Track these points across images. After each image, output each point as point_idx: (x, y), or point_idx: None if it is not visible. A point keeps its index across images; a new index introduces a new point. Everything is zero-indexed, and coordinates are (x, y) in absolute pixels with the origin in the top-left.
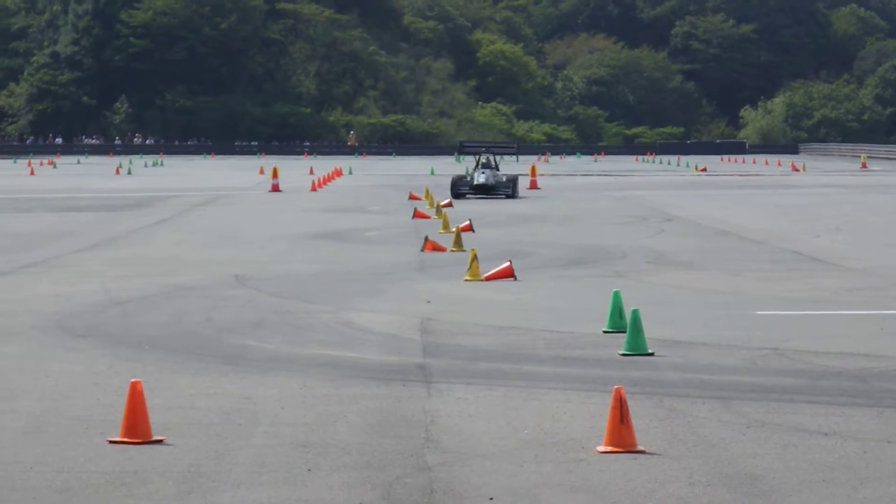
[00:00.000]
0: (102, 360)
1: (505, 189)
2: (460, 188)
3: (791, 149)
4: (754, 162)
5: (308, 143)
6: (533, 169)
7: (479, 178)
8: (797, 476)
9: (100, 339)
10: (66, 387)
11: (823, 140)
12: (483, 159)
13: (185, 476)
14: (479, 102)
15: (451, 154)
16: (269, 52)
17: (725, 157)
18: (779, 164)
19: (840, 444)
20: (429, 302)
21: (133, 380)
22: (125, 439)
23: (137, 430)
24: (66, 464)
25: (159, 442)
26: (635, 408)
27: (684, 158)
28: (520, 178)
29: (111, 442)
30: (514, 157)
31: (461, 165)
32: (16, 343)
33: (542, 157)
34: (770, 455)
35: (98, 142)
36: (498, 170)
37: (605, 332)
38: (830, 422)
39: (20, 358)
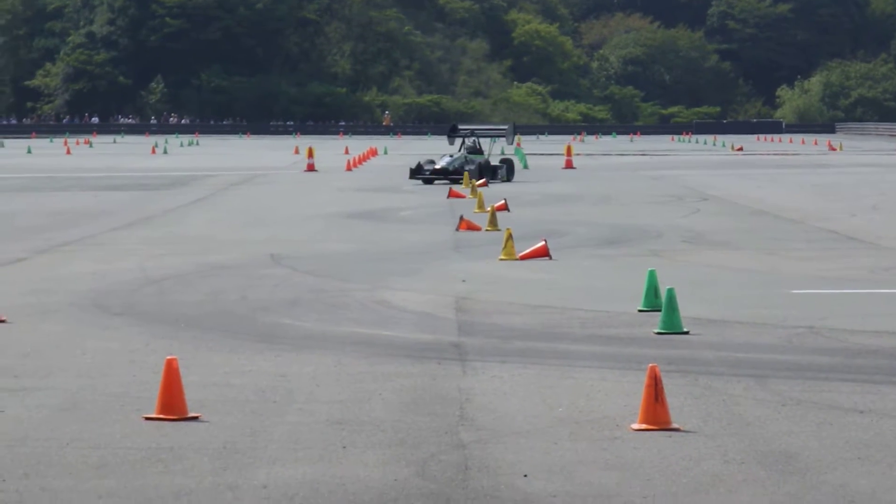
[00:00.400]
0: (138, 338)
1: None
2: (422, 170)
3: (828, 128)
4: (791, 141)
5: (343, 123)
6: (568, 149)
7: (441, 163)
8: (832, 454)
9: (136, 317)
10: (103, 364)
11: (860, 119)
12: (469, 143)
13: (220, 452)
14: (515, 82)
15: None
16: (305, 32)
17: (762, 136)
18: (815, 144)
19: (876, 421)
20: (464, 281)
21: (169, 357)
22: (161, 416)
23: (173, 406)
24: (103, 440)
25: (195, 419)
26: (670, 386)
27: (720, 138)
28: (515, 162)
29: (147, 419)
30: (509, 141)
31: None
32: (53, 321)
33: (578, 137)
34: (805, 433)
35: (134, 121)
36: (481, 153)
37: (640, 310)
38: (866, 400)
39: (57, 335)
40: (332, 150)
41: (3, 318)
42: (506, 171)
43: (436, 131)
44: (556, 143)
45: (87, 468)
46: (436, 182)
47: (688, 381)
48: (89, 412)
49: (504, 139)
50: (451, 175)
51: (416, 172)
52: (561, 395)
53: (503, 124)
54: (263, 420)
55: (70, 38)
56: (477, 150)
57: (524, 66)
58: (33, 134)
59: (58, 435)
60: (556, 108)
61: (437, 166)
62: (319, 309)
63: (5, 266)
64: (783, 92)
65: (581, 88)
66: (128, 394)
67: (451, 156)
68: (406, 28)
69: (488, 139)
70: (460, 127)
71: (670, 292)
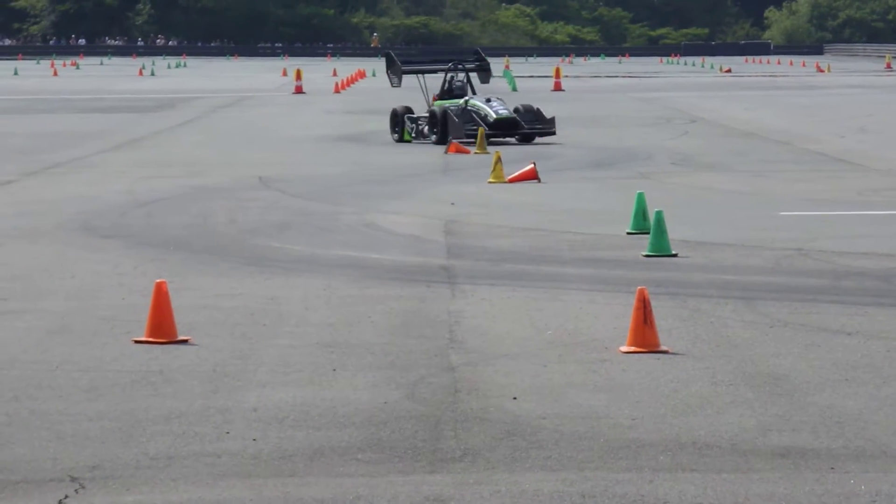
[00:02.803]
0: (127, 261)
1: (538, 126)
2: (469, 123)
3: (816, 49)
4: (779, 63)
5: (331, 45)
6: (557, 71)
7: (500, 110)
8: (820, 375)
9: (124, 240)
10: (92, 287)
11: (848, 40)
12: (458, 81)
13: (210, 375)
14: (503, 4)
15: None
16: None
17: (750, 58)
18: (803, 65)
19: (863, 343)
20: (453, 204)
21: (158, 280)
22: (151, 339)
23: (163, 329)
24: (92, 363)
25: (184, 342)
26: (658, 308)
27: (709, 60)
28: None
29: (137, 342)
30: (482, 78)
31: None
32: (41, 243)
33: (567, 59)
34: (793, 355)
35: (121, 43)
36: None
37: (628, 233)
38: (854, 321)
39: (46, 258)
40: (321, 72)
41: None
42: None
43: (424, 53)
44: (544, 66)
45: (77, 391)
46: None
47: (676, 304)
48: (79, 335)
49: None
50: (516, 129)
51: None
52: (550, 318)
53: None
54: (253, 343)
55: None
56: (462, 90)
57: None
58: (20, 55)
59: (47, 358)
60: (545, 29)
61: (498, 116)
62: (309, 232)
63: None
64: (771, 13)
65: (570, 10)
66: (117, 317)
67: (494, 101)
68: None
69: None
70: (406, 62)
71: (659, 215)
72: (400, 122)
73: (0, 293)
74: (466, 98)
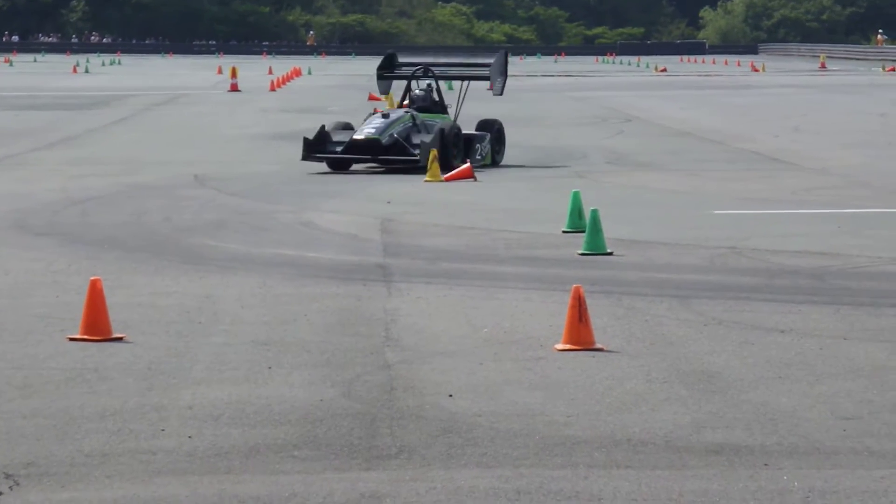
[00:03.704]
0: (62, 259)
1: (415, 153)
2: (327, 143)
3: (751, 49)
4: (714, 62)
5: (267, 43)
6: None
7: (366, 130)
8: (754, 372)
9: (58, 238)
10: (25, 284)
11: (783, 40)
12: (420, 90)
13: (145, 373)
14: (439, 2)
15: None
16: None
17: (685, 57)
18: (738, 65)
19: (797, 341)
20: (389, 202)
21: (93, 277)
22: (85, 337)
23: (97, 327)
24: (27, 361)
25: (119, 339)
26: (594, 307)
27: (644, 59)
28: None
29: (71, 339)
30: (496, 89)
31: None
32: None
33: None
34: (727, 352)
35: (55, 40)
36: (443, 109)
37: (564, 231)
38: (787, 319)
39: None
40: (256, 70)
41: None
42: (489, 142)
43: (360, 52)
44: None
45: (11, 388)
46: (354, 167)
47: (611, 302)
48: (12, 333)
49: (490, 82)
50: (384, 153)
51: (316, 147)
52: (486, 316)
53: (488, 56)
54: (189, 341)
55: None
56: (434, 104)
57: None
58: None
59: None
60: (481, 28)
61: (360, 136)
62: (244, 231)
63: None
64: (706, 13)
65: (506, 9)
66: (51, 314)
67: (384, 116)
68: None
69: (460, 83)
70: (403, 61)
71: (594, 213)
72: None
73: None
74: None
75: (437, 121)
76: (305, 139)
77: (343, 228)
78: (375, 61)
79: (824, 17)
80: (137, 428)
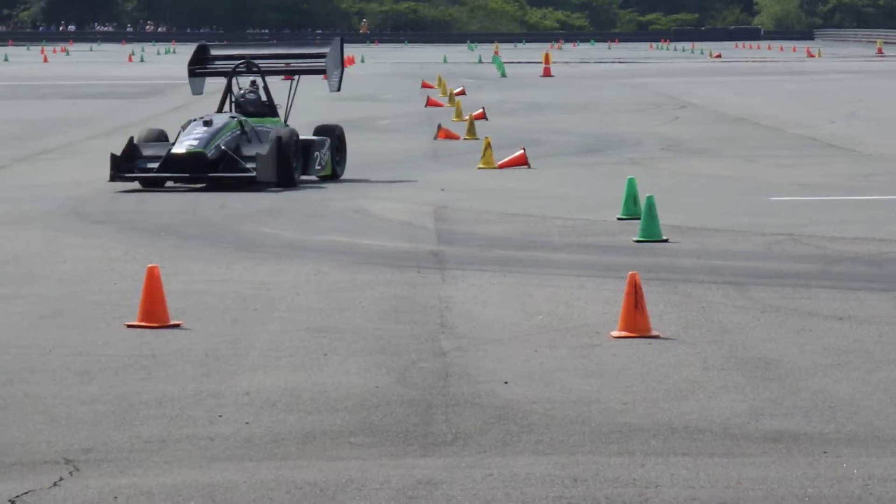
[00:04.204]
0: (118, 246)
1: (249, 166)
2: (137, 158)
3: (806, 35)
4: (769, 48)
5: (320, 31)
6: (546, 56)
7: (186, 143)
8: (811, 360)
9: (115, 226)
10: (84, 272)
11: (839, 26)
12: (240, 89)
13: (202, 360)
14: None
15: (464, 42)
16: None
17: (740, 43)
18: (794, 51)
19: (855, 328)
20: (442, 190)
21: (150, 265)
22: (143, 324)
23: (155, 314)
24: (85, 347)
25: (176, 326)
26: (649, 294)
27: (698, 45)
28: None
29: (129, 326)
30: (333, 86)
31: (474, 54)
32: (33, 229)
33: (556, 45)
34: (784, 340)
35: (110, 29)
36: (272, 112)
37: (619, 218)
38: (845, 306)
39: (38, 243)
40: None
41: None
42: (329, 150)
43: (412, 39)
44: (533, 51)
45: (71, 374)
46: (171, 184)
47: (667, 289)
48: (71, 320)
49: (326, 75)
50: (211, 169)
51: (124, 165)
52: (540, 304)
53: (321, 46)
54: (245, 328)
55: None
56: (262, 106)
57: None
58: (10, 42)
59: (40, 342)
60: (534, 15)
61: (180, 150)
62: (299, 218)
63: None
64: None
65: None
66: (109, 301)
67: (206, 124)
68: None
69: (293, 77)
70: (217, 54)
71: (649, 200)
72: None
73: None
74: (203, 117)
75: (269, 127)
76: (113, 155)
77: (396, 216)
78: (428, 48)
79: (881, 1)
80: (195, 414)
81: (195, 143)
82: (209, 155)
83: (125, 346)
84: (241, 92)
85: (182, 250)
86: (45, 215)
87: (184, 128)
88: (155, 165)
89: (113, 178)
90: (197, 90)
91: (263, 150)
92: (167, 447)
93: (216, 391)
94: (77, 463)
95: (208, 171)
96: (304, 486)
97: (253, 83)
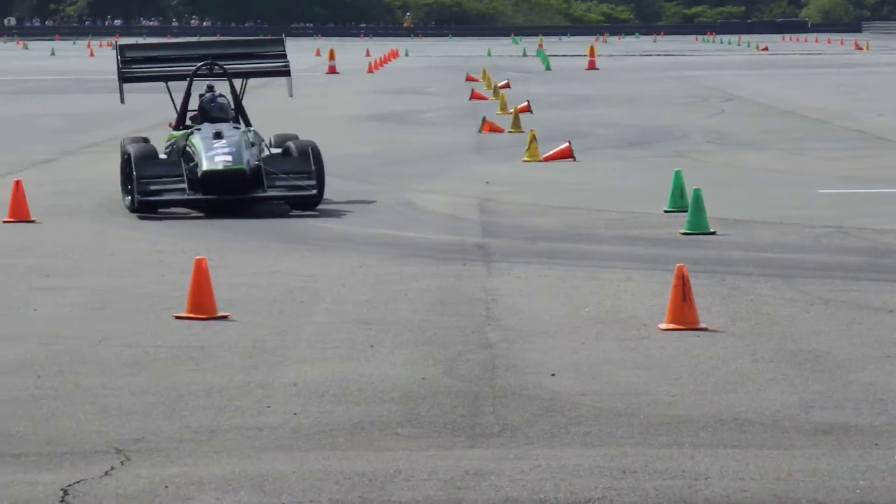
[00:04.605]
0: (166, 239)
1: (303, 183)
2: (152, 187)
3: (854, 27)
4: (816, 41)
5: (364, 25)
6: (591, 49)
7: (219, 155)
8: (861, 352)
9: (163, 218)
10: (132, 264)
11: (887, 18)
12: (205, 94)
13: (250, 351)
14: None
15: (508, 35)
16: None
17: (786, 36)
18: (841, 43)
19: None
20: (488, 183)
21: (198, 257)
22: (191, 315)
23: (203, 306)
24: (134, 338)
25: (224, 318)
26: (697, 286)
27: (745, 38)
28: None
29: (177, 318)
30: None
31: (518, 47)
32: (81, 221)
33: (601, 38)
34: (834, 332)
35: (156, 24)
36: (238, 115)
37: (665, 211)
38: (895, 299)
39: (86, 236)
40: (353, 52)
41: (33, 219)
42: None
43: (456, 33)
44: (578, 44)
45: (120, 365)
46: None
47: (715, 282)
48: (120, 311)
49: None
50: (249, 189)
51: (143, 188)
52: (587, 296)
53: (255, 44)
54: (292, 320)
55: None
56: (227, 113)
57: None
58: (56, 36)
59: (90, 333)
60: (579, 8)
61: (215, 166)
62: (344, 211)
63: (33, 167)
64: None
65: None
66: (157, 293)
67: (217, 136)
68: None
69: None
70: (134, 55)
71: (697, 192)
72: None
73: (42, 269)
74: (189, 131)
75: (252, 134)
76: (133, 176)
77: (442, 209)
78: (472, 42)
79: None
80: (243, 405)
81: (228, 158)
82: (247, 171)
83: (174, 338)
84: (209, 96)
85: (229, 243)
86: (93, 208)
87: (195, 139)
88: (179, 186)
89: (139, 208)
90: (123, 97)
91: (283, 161)
92: (216, 437)
93: (264, 382)
94: (128, 452)
95: (247, 189)
96: (353, 476)
97: (210, 87)
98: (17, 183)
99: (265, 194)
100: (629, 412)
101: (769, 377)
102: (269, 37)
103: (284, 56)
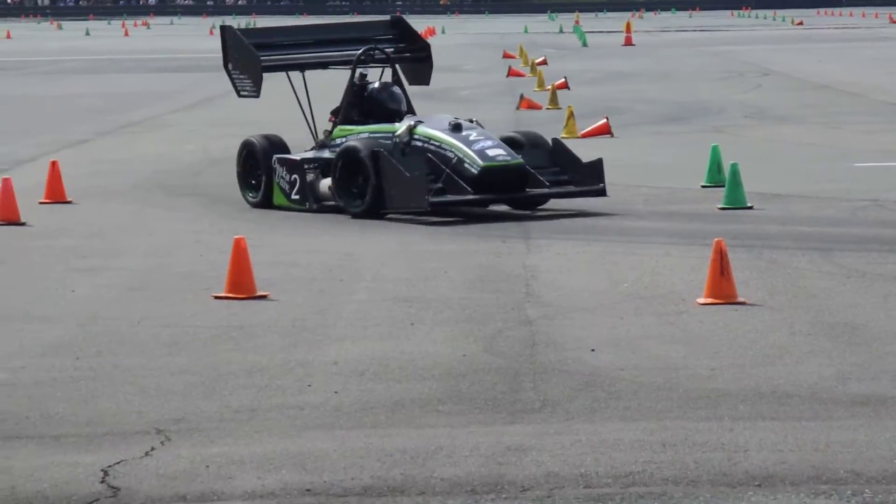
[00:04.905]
0: (204, 219)
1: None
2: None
3: (889, 0)
4: (851, 15)
5: (400, 3)
6: (627, 25)
7: (489, 150)
8: None
9: (200, 198)
10: (169, 244)
11: None
12: (372, 83)
13: (289, 330)
14: None
15: (544, 12)
16: None
17: (822, 10)
18: (876, 17)
19: None
20: None
21: (237, 236)
22: (230, 295)
23: (242, 285)
24: (173, 319)
25: (263, 297)
26: (735, 260)
27: (780, 12)
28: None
29: (216, 297)
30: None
31: (555, 24)
32: (119, 202)
33: (637, 14)
34: (870, 305)
35: (191, 2)
36: (410, 110)
37: (703, 186)
38: None
39: (123, 216)
40: None
41: (70, 200)
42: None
43: (493, 10)
44: (614, 21)
45: (159, 346)
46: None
47: (752, 256)
48: (158, 291)
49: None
50: (524, 186)
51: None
52: (625, 271)
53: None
54: (331, 298)
55: None
56: (399, 104)
57: None
58: (90, 16)
59: (128, 314)
60: None
61: (492, 161)
62: None
63: (69, 148)
64: None
65: None
66: (196, 273)
67: (455, 128)
68: None
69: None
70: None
71: (734, 167)
72: (264, 170)
73: (80, 250)
74: (411, 123)
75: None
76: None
77: None
78: (509, 19)
79: None
80: (284, 384)
81: (501, 152)
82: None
83: (213, 318)
84: (380, 85)
85: (266, 222)
86: (130, 188)
87: (450, 130)
88: (435, 186)
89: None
90: (249, 92)
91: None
92: (257, 416)
93: (304, 361)
94: (168, 433)
95: (524, 186)
96: (394, 453)
97: (363, 75)
98: (54, 164)
99: (547, 191)
100: (668, 386)
101: (807, 350)
102: (393, 14)
103: (421, 39)
